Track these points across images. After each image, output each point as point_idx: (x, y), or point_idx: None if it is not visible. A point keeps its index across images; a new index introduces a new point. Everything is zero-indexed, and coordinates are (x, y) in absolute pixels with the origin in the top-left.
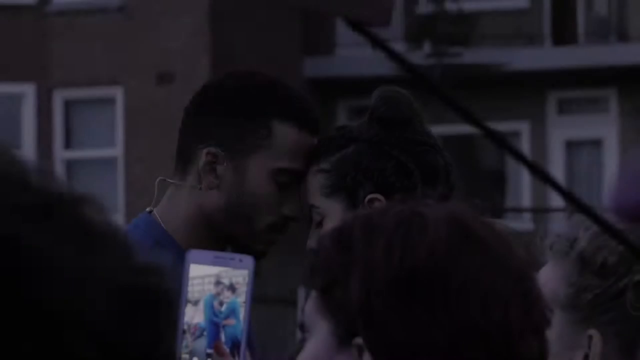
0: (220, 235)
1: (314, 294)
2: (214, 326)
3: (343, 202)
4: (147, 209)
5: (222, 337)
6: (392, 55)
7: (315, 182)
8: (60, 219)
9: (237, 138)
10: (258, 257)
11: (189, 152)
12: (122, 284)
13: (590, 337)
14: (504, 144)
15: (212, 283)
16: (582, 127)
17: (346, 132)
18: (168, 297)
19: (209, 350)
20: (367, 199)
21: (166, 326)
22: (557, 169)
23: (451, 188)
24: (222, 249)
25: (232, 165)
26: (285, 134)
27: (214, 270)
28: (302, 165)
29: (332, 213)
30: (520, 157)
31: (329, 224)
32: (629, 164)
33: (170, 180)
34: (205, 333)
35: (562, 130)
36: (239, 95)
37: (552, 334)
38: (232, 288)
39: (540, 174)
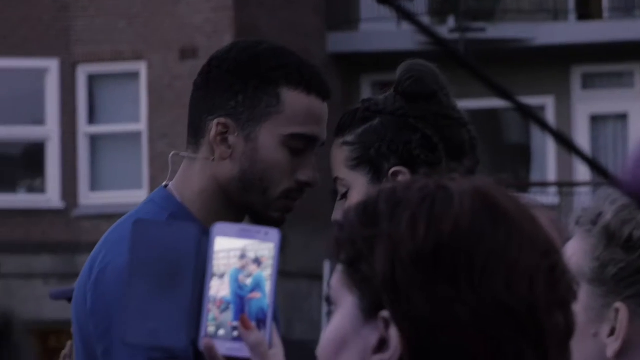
0: (236, 204)
1: (339, 267)
2: (239, 300)
3: (367, 174)
4: (163, 184)
5: (247, 311)
6: (422, 28)
7: (340, 154)
8: None
9: (247, 107)
10: (275, 224)
11: (200, 124)
12: None
13: (617, 311)
14: (532, 115)
15: (237, 257)
16: (606, 101)
17: (371, 105)
18: None
19: (235, 323)
20: (391, 171)
21: None
22: (582, 144)
23: (476, 162)
24: (239, 219)
25: (244, 134)
26: (294, 100)
27: (239, 243)
28: (314, 130)
29: (357, 185)
30: (547, 127)
31: (354, 197)
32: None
33: (184, 154)
34: (230, 306)
35: (586, 104)
36: (246, 65)
37: (579, 307)
38: (257, 261)
39: (567, 144)
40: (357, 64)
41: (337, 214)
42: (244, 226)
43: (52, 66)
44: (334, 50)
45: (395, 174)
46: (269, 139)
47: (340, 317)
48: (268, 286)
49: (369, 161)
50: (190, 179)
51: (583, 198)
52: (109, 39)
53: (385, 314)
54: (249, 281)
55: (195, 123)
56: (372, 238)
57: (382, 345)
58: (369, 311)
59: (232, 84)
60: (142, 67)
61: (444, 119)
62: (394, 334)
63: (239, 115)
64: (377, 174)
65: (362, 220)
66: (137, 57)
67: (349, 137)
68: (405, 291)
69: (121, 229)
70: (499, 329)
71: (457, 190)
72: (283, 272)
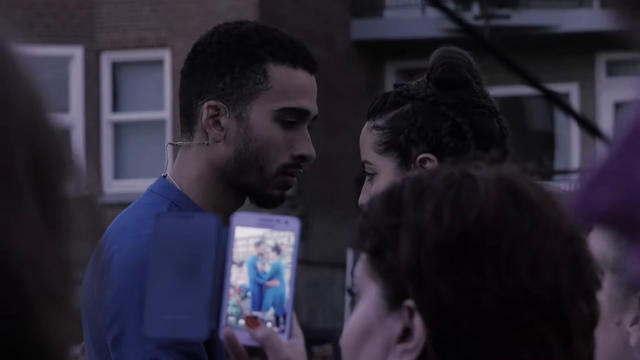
0: (235, 186)
1: (363, 256)
2: (258, 287)
3: (396, 159)
4: (162, 174)
5: (265, 299)
6: (449, 14)
7: (370, 138)
8: None
9: (235, 87)
10: (275, 202)
11: (191, 110)
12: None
13: None
14: (558, 101)
15: (254, 244)
16: (631, 88)
17: (403, 90)
18: None
19: (254, 313)
20: (419, 158)
21: None
22: (606, 131)
23: (505, 152)
24: (239, 202)
25: (235, 114)
26: (281, 74)
27: (259, 232)
28: (304, 103)
29: (384, 170)
30: (572, 114)
31: (381, 181)
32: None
33: (178, 143)
34: (249, 294)
35: (611, 92)
36: (229, 46)
37: (602, 295)
38: (277, 249)
39: (592, 131)
40: (382, 51)
41: (363, 198)
42: (264, 215)
43: (76, 54)
44: (358, 38)
45: (423, 160)
46: (260, 117)
47: (364, 306)
48: (287, 275)
49: (398, 146)
50: (187, 166)
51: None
52: (133, 26)
53: (409, 303)
54: (267, 269)
55: (187, 110)
56: (396, 227)
57: (406, 334)
58: (393, 300)
59: (218, 66)
60: (166, 55)
61: (475, 107)
62: (418, 323)
63: (228, 96)
64: (405, 159)
65: (387, 208)
66: (162, 44)
67: (379, 121)
68: (429, 280)
69: (125, 218)
70: (523, 317)
71: (482, 179)
72: (305, 261)
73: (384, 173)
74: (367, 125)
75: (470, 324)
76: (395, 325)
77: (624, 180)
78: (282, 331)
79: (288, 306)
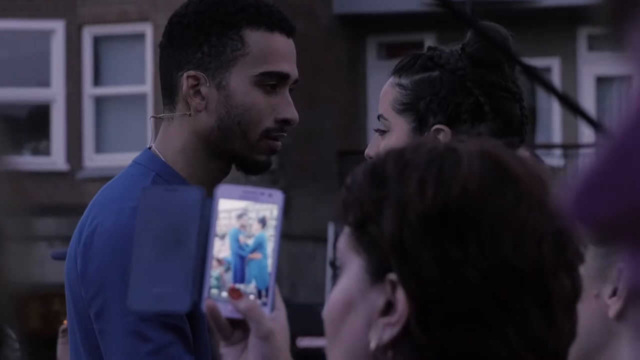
0: (220, 155)
1: (346, 229)
2: (240, 260)
3: (412, 123)
4: (147, 146)
5: (247, 272)
6: None
7: (391, 94)
8: None
9: (213, 56)
10: (262, 168)
11: (172, 82)
12: None
13: (620, 271)
14: (538, 77)
15: (236, 217)
16: (612, 63)
17: (435, 56)
18: None
19: (236, 285)
20: (434, 127)
21: None
22: (587, 105)
23: (521, 140)
24: (224, 172)
25: (215, 83)
26: (258, 39)
27: (242, 204)
28: (283, 67)
29: (397, 129)
30: (552, 89)
31: (392, 139)
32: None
33: (161, 115)
34: (231, 267)
35: (592, 66)
36: (204, 15)
37: (581, 268)
38: (262, 221)
39: (572, 106)
40: (363, 25)
41: (370, 150)
42: (248, 188)
43: (57, 28)
44: (340, 12)
45: (438, 131)
46: (240, 83)
47: (347, 279)
48: (270, 247)
49: (417, 111)
50: (171, 137)
51: (588, 160)
52: (114, 0)
53: (392, 276)
54: (250, 241)
55: (167, 83)
56: (380, 200)
57: (388, 308)
58: (376, 274)
59: (194, 36)
60: (147, 29)
61: (501, 90)
62: (401, 296)
63: (207, 65)
64: (420, 125)
65: (370, 182)
66: (143, 18)
67: (404, 81)
68: (413, 253)
69: (107, 191)
70: (506, 290)
71: (465, 152)
72: (287, 235)
73: (397, 132)
74: (392, 80)
75: (453, 297)
76: (378, 299)
77: (631, 182)
78: (265, 304)
79: (271, 279)
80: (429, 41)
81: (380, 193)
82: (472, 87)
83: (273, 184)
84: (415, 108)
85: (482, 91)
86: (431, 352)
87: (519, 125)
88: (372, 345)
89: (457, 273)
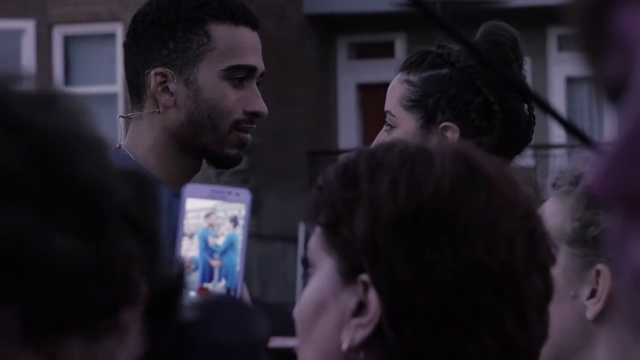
0: (191, 150)
1: (318, 230)
2: (208, 260)
3: (419, 120)
4: (117, 145)
5: (215, 271)
6: None
7: (399, 90)
8: (62, 108)
9: (180, 52)
10: (233, 162)
11: (139, 81)
12: (124, 171)
13: (598, 272)
14: (508, 77)
15: (204, 216)
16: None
17: (444, 54)
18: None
19: (203, 285)
20: (442, 125)
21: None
22: (557, 105)
23: (529, 140)
24: (195, 168)
25: (182, 79)
26: (223, 33)
27: (210, 204)
28: (250, 60)
29: (405, 126)
30: (522, 88)
31: (399, 135)
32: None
33: (129, 115)
34: (199, 266)
35: (562, 66)
36: (168, 12)
37: (557, 269)
38: (234, 220)
39: (543, 106)
40: (334, 25)
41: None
42: (215, 187)
43: (28, 27)
44: (310, 12)
45: (445, 128)
46: (208, 78)
47: (319, 279)
48: (238, 247)
49: (425, 108)
50: (141, 136)
51: (558, 160)
52: (85, 0)
53: (364, 277)
54: (220, 241)
55: (134, 81)
56: (352, 200)
57: (360, 309)
58: (348, 274)
59: (159, 33)
60: (118, 29)
61: (510, 90)
62: (372, 297)
63: (173, 61)
64: (428, 122)
65: (342, 182)
66: (114, 18)
67: (413, 77)
68: (385, 254)
69: None
70: (478, 291)
71: (437, 153)
72: (258, 235)
73: (404, 129)
74: (400, 77)
75: (426, 298)
76: (350, 300)
77: None
78: None
79: (239, 278)
80: (400, 41)
81: (352, 193)
82: (482, 85)
83: (243, 183)
84: (424, 105)
85: (491, 90)
86: (403, 353)
87: (527, 125)
88: (344, 346)
89: (430, 274)
